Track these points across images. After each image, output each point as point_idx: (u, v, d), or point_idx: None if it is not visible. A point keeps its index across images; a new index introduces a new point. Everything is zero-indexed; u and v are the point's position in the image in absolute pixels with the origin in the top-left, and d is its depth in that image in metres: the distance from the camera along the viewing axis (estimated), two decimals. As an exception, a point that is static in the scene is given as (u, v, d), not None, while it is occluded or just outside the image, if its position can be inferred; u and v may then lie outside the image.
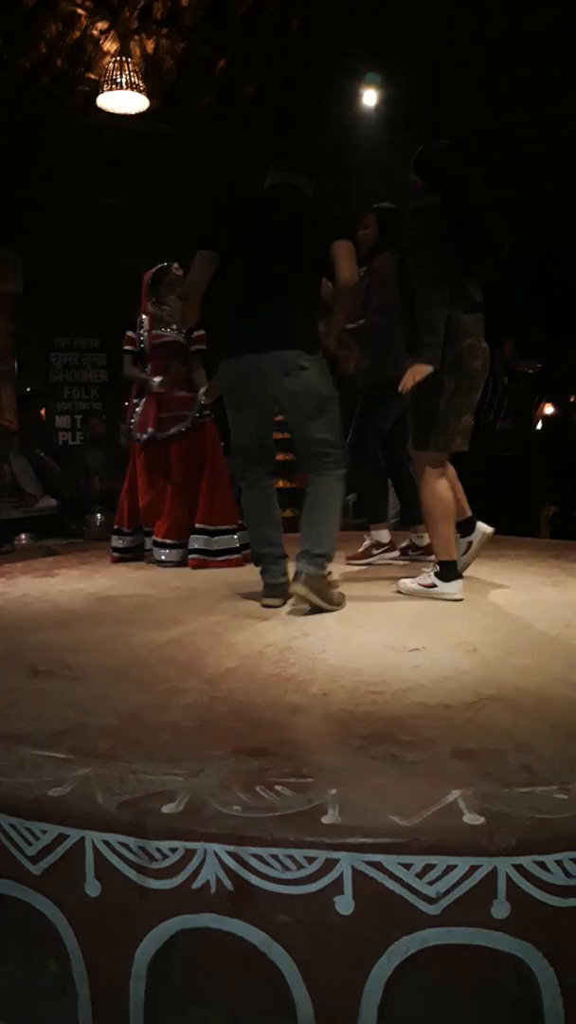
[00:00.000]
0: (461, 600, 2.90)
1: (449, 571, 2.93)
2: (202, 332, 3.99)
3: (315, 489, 2.90)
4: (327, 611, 2.76)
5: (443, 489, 2.94)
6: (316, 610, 2.74)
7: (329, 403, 2.87)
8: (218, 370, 3.02)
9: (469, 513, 3.20)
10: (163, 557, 3.92)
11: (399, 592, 3.05)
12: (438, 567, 2.96)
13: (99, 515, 6.02)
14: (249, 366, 2.82)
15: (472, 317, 2.92)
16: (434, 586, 2.93)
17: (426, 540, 3.56)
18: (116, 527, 4.18)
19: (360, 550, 3.82)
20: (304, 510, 2.91)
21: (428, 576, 2.97)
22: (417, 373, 2.81)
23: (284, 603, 2.89)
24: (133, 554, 4.13)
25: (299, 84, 5.84)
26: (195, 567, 3.81)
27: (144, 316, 4.11)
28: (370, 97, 5.89)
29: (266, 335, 2.80)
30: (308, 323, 2.89)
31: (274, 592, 2.92)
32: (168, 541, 3.93)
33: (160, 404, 4.01)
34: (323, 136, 5.73)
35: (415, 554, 3.82)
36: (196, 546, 3.86)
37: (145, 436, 4.01)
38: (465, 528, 3.15)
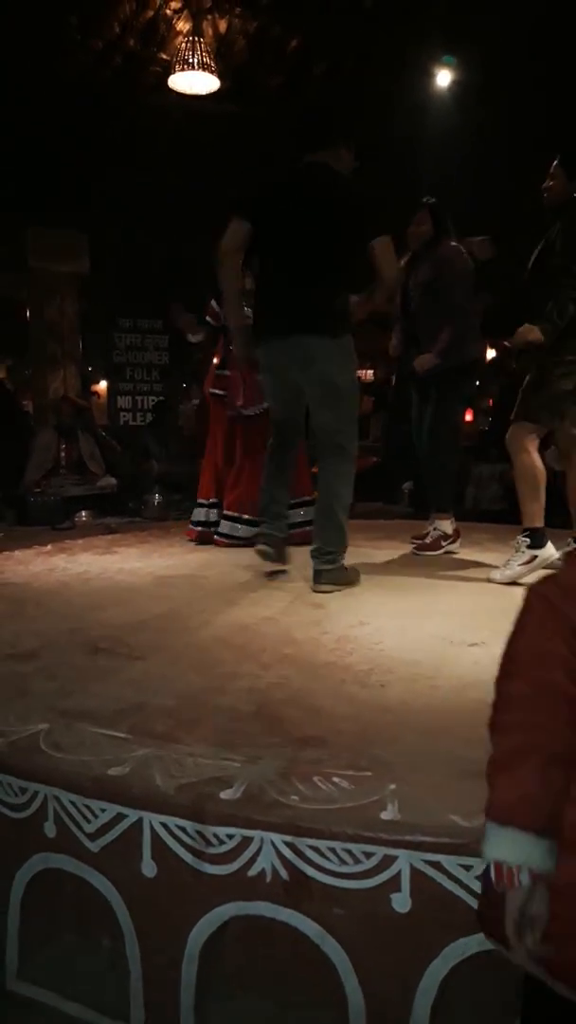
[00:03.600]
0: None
1: (540, 536, 3.04)
2: None
3: (323, 483, 3.02)
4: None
5: (540, 461, 3.10)
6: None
7: (344, 394, 2.93)
8: (258, 352, 3.09)
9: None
10: (238, 532, 3.90)
11: (491, 581, 3.04)
12: (528, 539, 3.03)
13: (157, 496, 6.06)
14: (275, 351, 2.92)
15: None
16: (534, 557, 3.01)
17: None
18: (203, 500, 4.13)
19: (429, 541, 3.76)
20: (316, 505, 3.08)
21: (521, 554, 3.03)
22: (531, 334, 2.95)
23: (274, 552, 3.09)
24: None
25: (371, 64, 5.74)
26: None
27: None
28: (444, 78, 5.76)
29: (289, 321, 2.86)
30: (332, 310, 2.88)
31: (267, 541, 3.08)
32: (242, 516, 3.91)
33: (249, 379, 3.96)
34: (393, 117, 5.62)
35: (445, 544, 3.79)
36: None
37: (251, 410, 3.93)
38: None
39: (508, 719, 0.93)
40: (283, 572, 3.18)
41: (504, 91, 5.48)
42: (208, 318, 4.12)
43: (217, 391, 4.06)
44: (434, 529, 3.77)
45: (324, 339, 2.83)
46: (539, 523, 3.08)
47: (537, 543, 3.03)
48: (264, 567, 3.18)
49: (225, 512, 4.00)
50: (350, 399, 2.97)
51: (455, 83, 5.80)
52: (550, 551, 3.03)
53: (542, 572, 2.92)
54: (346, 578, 2.96)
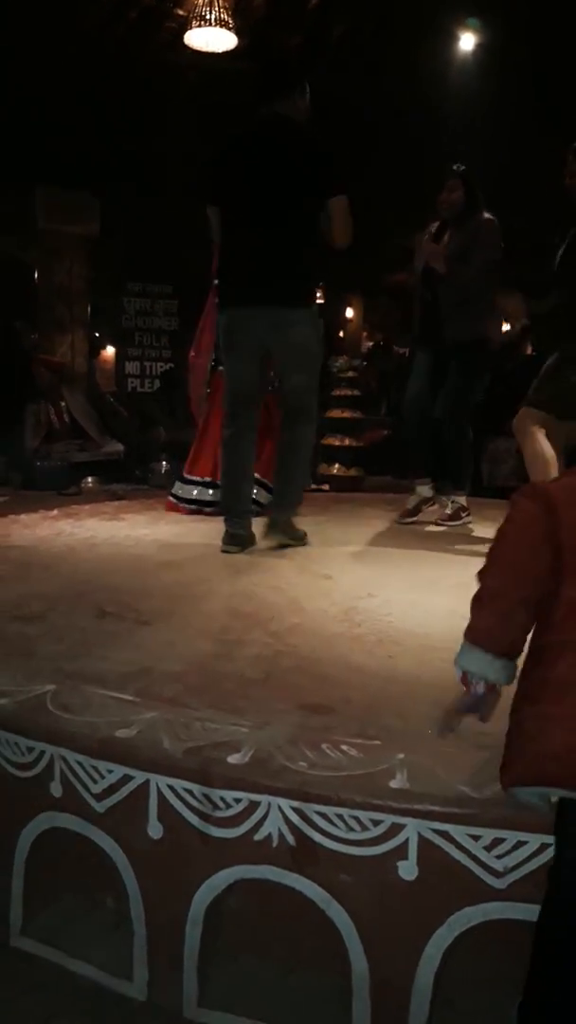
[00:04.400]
0: None
1: None
2: None
3: (288, 441, 3.09)
4: (295, 547, 3.05)
5: (548, 447, 3.09)
6: (286, 545, 3.05)
7: (315, 359, 3.02)
8: (218, 321, 3.11)
9: None
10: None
11: None
12: None
13: (164, 463, 6.05)
14: (244, 316, 2.92)
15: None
16: None
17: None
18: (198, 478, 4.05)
19: (450, 512, 3.77)
20: (277, 460, 3.14)
21: None
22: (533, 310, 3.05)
23: (242, 551, 3.04)
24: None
25: (393, 26, 5.60)
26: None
27: None
28: (467, 41, 5.62)
29: (261, 287, 2.84)
30: (302, 275, 2.87)
31: (234, 540, 3.06)
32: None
33: None
34: (414, 81, 5.50)
35: (427, 508, 3.88)
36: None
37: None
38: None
39: (489, 585, 1.18)
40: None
41: (528, 56, 5.35)
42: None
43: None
44: (452, 502, 3.78)
45: (299, 309, 2.86)
46: None
47: None
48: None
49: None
50: (317, 363, 3.08)
51: (479, 46, 5.66)
52: None
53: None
54: (296, 533, 3.08)
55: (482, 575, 1.19)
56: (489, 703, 1.19)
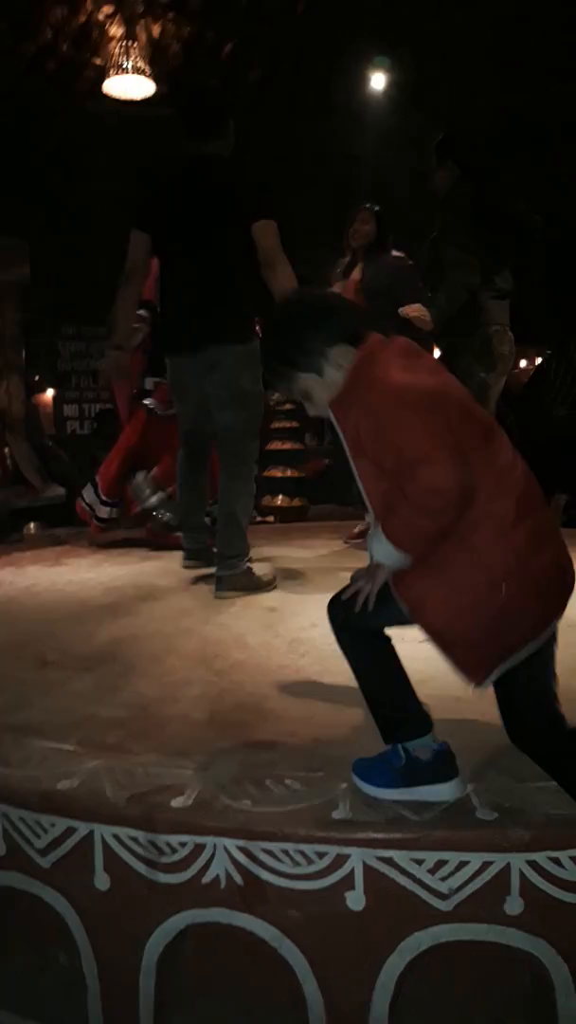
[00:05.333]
0: None
1: None
2: None
3: (223, 488, 2.93)
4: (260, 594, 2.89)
5: None
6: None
7: (249, 399, 2.87)
8: (166, 366, 3.08)
9: None
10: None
11: None
12: None
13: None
14: (183, 363, 2.93)
15: (499, 304, 3.01)
16: None
17: None
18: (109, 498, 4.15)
19: (356, 531, 3.85)
20: (218, 510, 2.99)
21: None
22: (422, 313, 3.04)
23: (202, 565, 3.09)
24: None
25: (306, 68, 5.78)
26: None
27: None
28: (378, 80, 5.83)
29: (193, 333, 2.81)
30: (236, 314, 2.82)
31: (190, 555, 3.12)
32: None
33: None
34: (330, 120, 5.67)
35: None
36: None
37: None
38: None
39: (427, 480, 1.24)
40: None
41: (438, 92, 5.57)
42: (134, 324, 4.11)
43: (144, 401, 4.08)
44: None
45: (234, 346, 2.79)
46: None
47: None
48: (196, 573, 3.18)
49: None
50: (254, 404, 2.92)
51: (391, 84, 5.87)
52: None
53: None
54: (251, 583, 2.88)
55: (416, 507, 1.25)
56: (383, 579, 1.34)
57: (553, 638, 1.32)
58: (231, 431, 2.89)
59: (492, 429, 1.34)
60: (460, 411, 1.31)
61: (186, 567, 3.13)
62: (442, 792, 1.34)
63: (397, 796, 1.34)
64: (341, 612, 1.41)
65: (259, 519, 5.49)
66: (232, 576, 2.85)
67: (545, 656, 1.31)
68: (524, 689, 1.31)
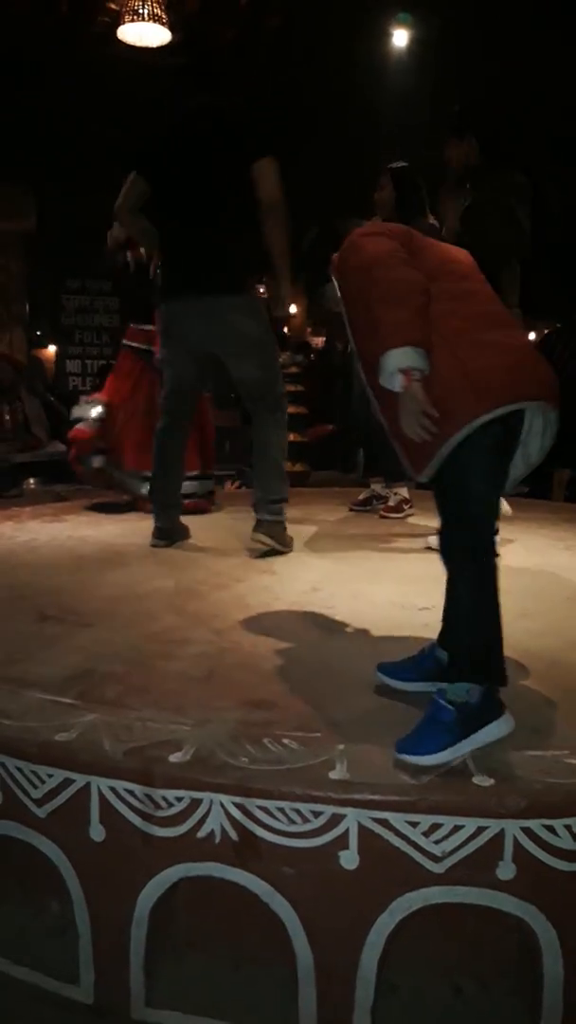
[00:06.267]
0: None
1: None
2: None
3: (255, 436, 2.94)
4: (281, 553, 2.90)
5: None
6: (272, 552, 2.88)
7: (261, 343, 2.87)
8: (158, 314, 3.03)
9: None
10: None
11: (430, 549, 3.07)
12: None
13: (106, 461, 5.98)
14: (179, 310, 2.87)
15: (513, 286, 3.05)
16: None
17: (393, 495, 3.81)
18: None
19: (392, 504, 3.83)
20: (256, 456, 2.97)
21: None
22: None
23: (170, 545, 3.04)
24: None
25: (327, 19, 5.62)
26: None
27: None
28: (400, 37, 5.68)
29: (194, 280, 2.79)
30: (237, 261, 2.80)
31: (159, 534, 3.05)
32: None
33: None
34: (351, 73, 5.53)
35: (378, 504, 3.91)
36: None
37: None
38: None
39: (384, 276, 1.48)
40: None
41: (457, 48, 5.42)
42: (123, 259, 4.04)
43: (136, 344, 3.96)
44: (395, 494, 3.83)
45: (233, 296, 2.78)
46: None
47: None
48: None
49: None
50: (268, 347, 2.91)
51: (413, 41, 5.71)
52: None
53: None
54: (283, 538, 2.93)
55: (383, 300, 1.46)
56: (422, 390, 1.44)
57: (497, 447, 1.46)
58: (255, 380, 2.88)
59: (468, 277, 1.58)
60: (436, 255, 1.58)
61: (155, 546, 3.02)
62: (500, 729, 1.40)
63: (461, 751, 1.34)
64: (468, 533, 1.47)
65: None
66: (273, 523, 2.87)
67: (476, 460, 1.44)
68: (449, 486, 1.48)
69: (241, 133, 2.78)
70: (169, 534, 3.07)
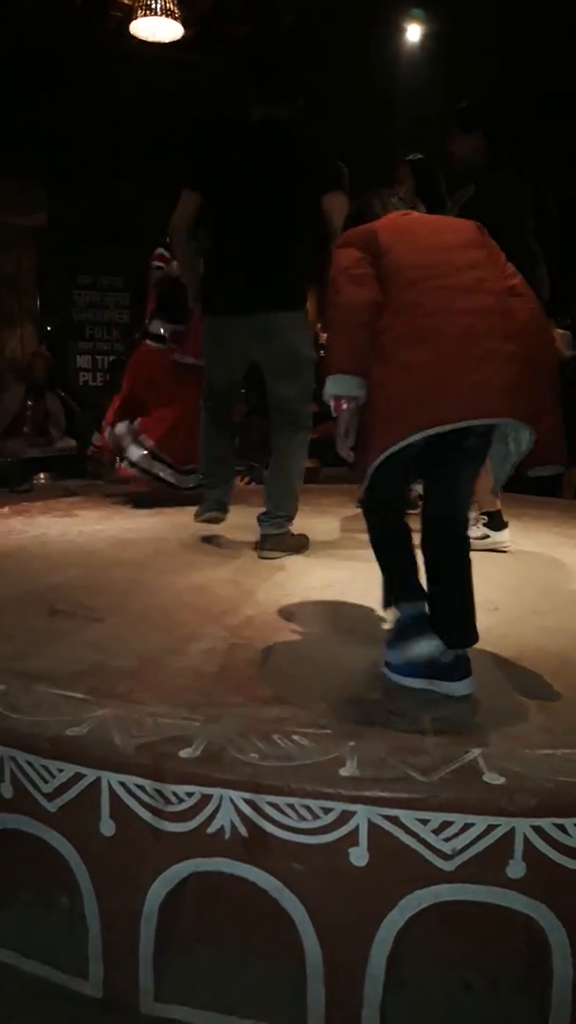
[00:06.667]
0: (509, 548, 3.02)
1: (497, 520, 3.03)
2: None
3: (276, 450, 2.95)
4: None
5: None
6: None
7: (303, 364, 2.87)
8: (203, 323, 3.00)
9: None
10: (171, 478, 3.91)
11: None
12: (485, 518, 3.04)
13: (119, 459, 5.99)
14: (230, 324, 2.84)
15: None
16: (487, 536, 3.01)
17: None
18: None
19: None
20: (268, 470, 3.00)
21: (477, 528, 3.04)
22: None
23: (222, 517, 3.05)
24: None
25: (340, 15, 5.60)
26: None
27: None
28: (414, 32, 5.65)
29: (248, 295, 2.77)
30: (292, 280, 2.81)
31: (213, 507, 3.02)
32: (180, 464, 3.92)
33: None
34: (363, 71, 5.51)
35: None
36: None
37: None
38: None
39: (333, 298, 1.60)
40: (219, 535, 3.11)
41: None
42: (156, 263, 4.06)
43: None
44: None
45: (290, 313, 2.79)
46: (496, 506, 3.07)
47: (494, 526, 3.03)
48: (221, 528, 3.15)
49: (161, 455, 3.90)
50: (309, 369, 2.91)
51: (427, 36, 5.69)
52: (503, 538, 3.02)
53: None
54: (292, 544, 2.92)
55: (330, 323, 1.64)
56: (353, 416, 1.59)
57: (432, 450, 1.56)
58: (290, 398, 2.88)
59: (416, 284, 1.57)
60: (400, 257, 1.60)
61: (206, 520, 3.03)
62: (459, 688, 1.58)
63: (420, 684, 1.61)
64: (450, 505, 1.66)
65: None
66: (279, 536, 2.87)
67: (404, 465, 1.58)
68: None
69: (315, 160, 2.79)
70: (221, 506, 3.03)
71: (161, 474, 3.89)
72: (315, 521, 3.55)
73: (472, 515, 3.21)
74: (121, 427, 3.97)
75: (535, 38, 5.39)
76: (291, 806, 1.28)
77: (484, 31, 5.37)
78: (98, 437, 4.26)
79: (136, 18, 5.19)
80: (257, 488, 4.61)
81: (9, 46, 5.61)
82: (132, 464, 3.89)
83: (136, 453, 3.88)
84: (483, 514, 3.07)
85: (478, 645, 1.92)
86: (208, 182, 2.85)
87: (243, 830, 1.31)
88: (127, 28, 5.27)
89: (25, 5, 5.45)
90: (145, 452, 3.87)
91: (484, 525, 3.04)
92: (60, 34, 5.79)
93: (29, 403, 5.99)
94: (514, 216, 2.87)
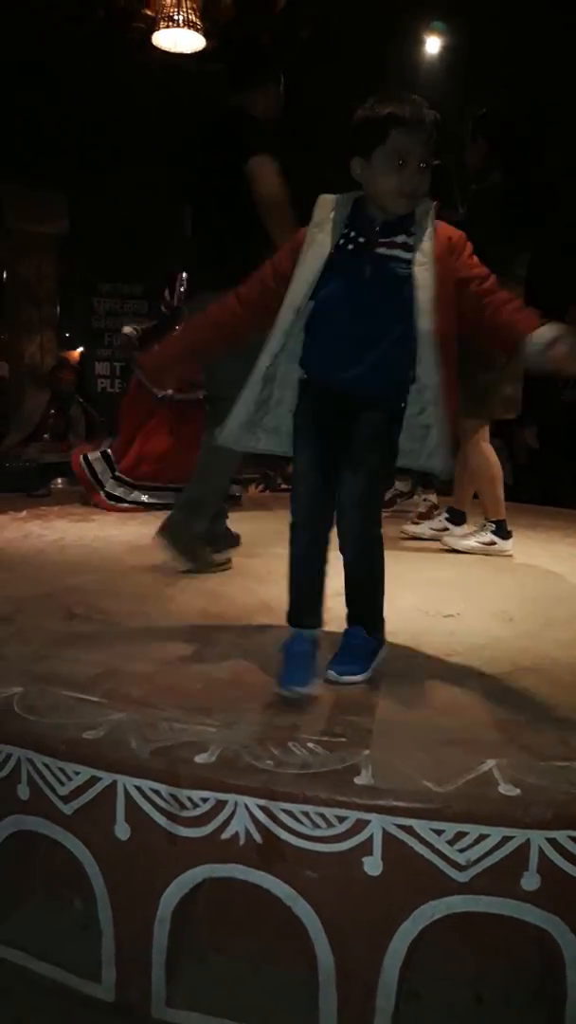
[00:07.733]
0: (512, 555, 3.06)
1: (503, 528, 3.08)
2: None
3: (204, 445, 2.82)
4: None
5: (490, 453, 3.09)
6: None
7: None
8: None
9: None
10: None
11: (447, 545, 3.13)
12: (493, 525, 3.08)
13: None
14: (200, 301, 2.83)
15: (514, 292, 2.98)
16: (493, 543, 3.06)
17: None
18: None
19: (424, 510, 3.86)
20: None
21: (484, 534, 3.08)
22: None
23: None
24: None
25: (360, 27, 5.64)
26: None
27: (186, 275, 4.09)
28: (433, 44, 5.68)
29: (197, 283, 2.86)
30: (232, 267, 2.73)
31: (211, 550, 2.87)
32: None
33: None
34: (383, 83, 5.53)
35: (402, 502, 4.15)
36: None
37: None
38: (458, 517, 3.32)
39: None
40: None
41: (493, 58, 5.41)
42: (161, 306, 4.20)
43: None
44: (425, 500, 3.86)
45: (207, 294, 2.68)
46: (503, 515, 3.11)
47: (501, 534, 3.07)
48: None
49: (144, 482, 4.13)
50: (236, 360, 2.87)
51: (446, 49, 5.71)
52: (508, 546, 3.06)
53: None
54: (202, 556, 2.76)
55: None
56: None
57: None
58: (220, 389, 2.84)
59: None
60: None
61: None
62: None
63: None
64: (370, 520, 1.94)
65: (283, 486, 5.49)
66: (178, 533, 2.69)
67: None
68: None
69: (236, 131, 2.72)
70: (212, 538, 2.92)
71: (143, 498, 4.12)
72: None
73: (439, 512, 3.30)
74: (95, 455, 4.20)
75: (553, 49, 5.40)
76: (305, 813, 1.28)
77: (503, 42, 5.38)
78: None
79: (158, 30, 5.25)
80: (272, 495, 4.64)
81: (31, 56, 5.68)
82: (109, 496, 4.17)
83: (111, 484, 4.16)
84: (491, 522, 3.09)
85: (492, 655, 1.92)
86: (188, 184, 2.92)
87: (257, 836, 1.31)
88: (149, 39, 5.33)
89: (48, 15, 5.52)
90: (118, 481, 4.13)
91: (492, 532, 3.07)
92: (83, 44, 5.86)
93: (52, 411, 6.04)
94: (489, 218, 2.89)
